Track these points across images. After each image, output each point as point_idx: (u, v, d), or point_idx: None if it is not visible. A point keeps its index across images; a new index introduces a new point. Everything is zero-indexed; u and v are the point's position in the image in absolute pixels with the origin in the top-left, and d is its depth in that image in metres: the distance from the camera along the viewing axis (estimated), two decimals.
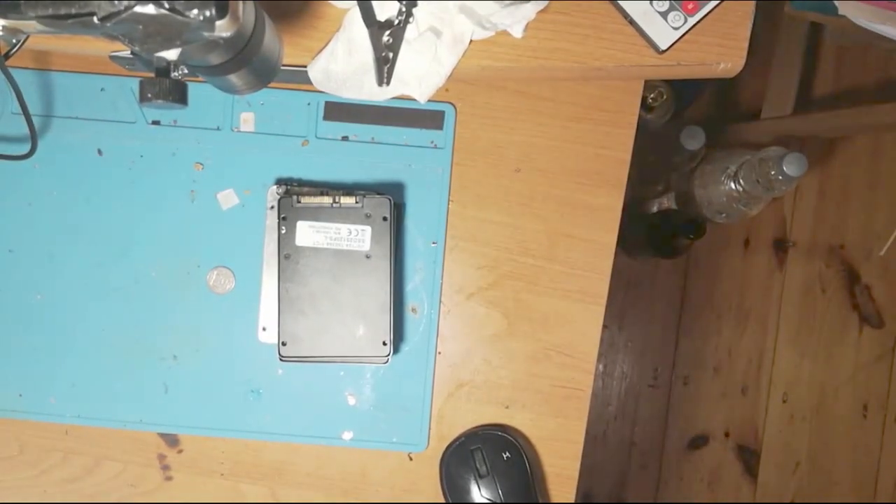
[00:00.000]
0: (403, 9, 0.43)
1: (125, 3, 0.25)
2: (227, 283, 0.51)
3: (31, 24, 0.26)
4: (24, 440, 0.51)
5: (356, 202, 0.46)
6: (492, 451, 0.49)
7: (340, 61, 0.44)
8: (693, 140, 0.91)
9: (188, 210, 0.51)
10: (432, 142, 0.51)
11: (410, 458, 0.52)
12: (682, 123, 0.92)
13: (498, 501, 0.49)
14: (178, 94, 0.30)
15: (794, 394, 1.37)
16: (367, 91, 0.45)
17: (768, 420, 1.37)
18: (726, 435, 1.37)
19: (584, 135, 0.51)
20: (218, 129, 0.51)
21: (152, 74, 0.30)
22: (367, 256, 0.46)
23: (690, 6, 0.44)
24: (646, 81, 0.52)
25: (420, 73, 0.44)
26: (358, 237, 0.46)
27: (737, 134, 1.21)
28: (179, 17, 0.25)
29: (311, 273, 0.46)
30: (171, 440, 0.51)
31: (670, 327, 1.37)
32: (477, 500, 0.49)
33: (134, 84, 0.50)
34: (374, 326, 0.47)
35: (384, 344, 0.47)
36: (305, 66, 0.45)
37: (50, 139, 0.51)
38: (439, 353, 0.51)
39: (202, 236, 0.51)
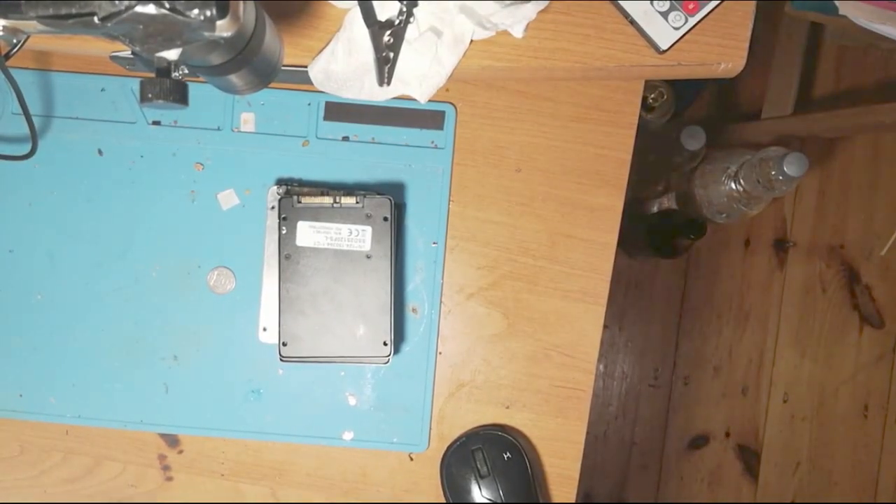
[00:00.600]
0: (404, 9, 0.43)
1: (126, 3, 0.25)
2: (227, 283, 0.51)
3: (31, 24, 0.26)
4: (25, 440, 0.51)
5: (357, 202, 0.46)
6: (492, 451, 0.49)
7: (341, 61, 0.44)
8: (693, 140, 0.91)
9: (188, 210, 0.51)
10: (433, 142, 0.51)
11: (411, 459, 0.52)
12: (683, 123, 0.92)
13: (499, 502, 0.49)
14: (179, 95, 0.30)
15: (795, 394, 1.37)
16: (368, 91, 0.45)
17: (769, 420, 1.37)
18: (727, 435, 1.37)
19: (584, 135, 0.51)
20: (218, 129, 0.51)
21: (153, 74, 0.30)
22: (368, 256, 0.46)
23: (691, 6, 0.44)
24: (646, 81, 0.52)
25: (420, 73, 0.44)
26: (358, 237, 0.46)
27: (737, 134, 1.21)
28: (180, 17, 0.25)
29: (311, 273, 0.46)
30: (172, 440, 0.51)
31: (671, 327, 1.37)
32: (478, 501, 0.49)
33: (134, 84, 0.50)
34: (375, 327, 0.47)
35: (385, 344, 0.47)
36: (306, 66, 0.45)
37: (50, 139, 0.51)
38: (440, 353, 0.51)
39: (202, 236, 0.51)
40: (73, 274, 0.51)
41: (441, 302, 0.51)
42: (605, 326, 1.35)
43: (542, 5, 0.43)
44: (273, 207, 0.50)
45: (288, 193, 0.49)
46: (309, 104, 0.51)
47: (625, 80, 0.51)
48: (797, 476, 1.38)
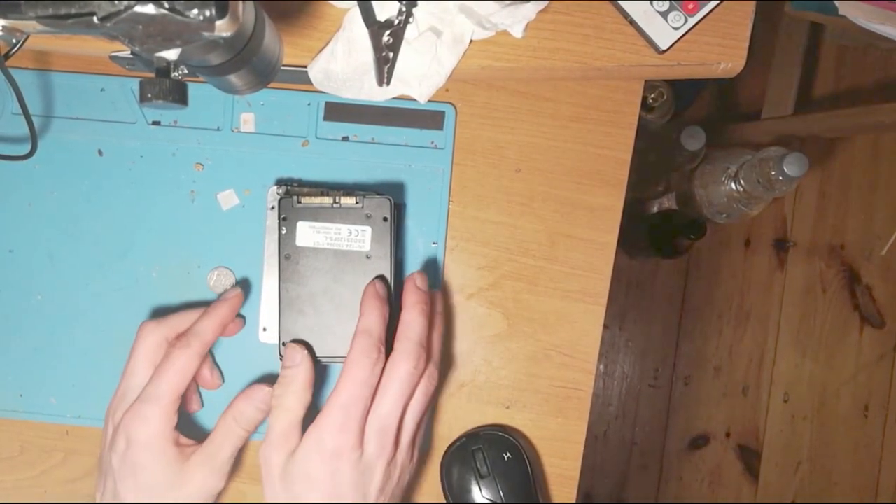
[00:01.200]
0: (403, 9, 0.43)
1: (125, 3, 0.25)
2: (227, 283, 0.51)
3: (31, 24, 0.26)
4: (25, 440, 0.51)
5: (356, 202, 0.46)
6: (492, 451, 0.49)
7: (340, 61, 0.44)
8: (693, 140, 0.91)
9: (188, 210, 0.51)
10: (432, 142, 0.51)
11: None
12: (683, 123, 0.92)
13: (499, 502, 0.49)
14: (179, 95, 0.30)
15: (795, 394, 1.37)
16: (367, 91, 0.45)
17: (769, 420, 1.37)
18: (727, 435, 1.37)
19: (584, 135, 0.51)
20: (218, 129, 0.51)
21: (152, 74, 0.30)
22: (368, 257, 0.46)
23: (691, 6, 0.44)
24: (646, 81, 0.52)
25: (420, 73, 0.44)
26: (358, 237, 0.46)
27: (737, 134, 1.21)
28: (179, 17, 0.25)
29: (311, 273, 0.46)
30: None
31: (671, 327, 1.37)
32: (478, 501, 0.49)
33: (134, 84, 0.50)
34: None
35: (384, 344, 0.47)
36: (305, 67, 0.45)
37: (50, 139, 0.51)
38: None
39: (202, 237, 0.51)
40: (73, 274, 0.51)
41: None
42: (606, 326, 1.36)
43: (542, 5, 0.43)
44: (273, 207, 0.50)
45: (288, 194, 0.49)
46: (309, 104, 0.51)
47: (624, 80, 0.51)
48: (798, 476, 1.38)
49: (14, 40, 0.28)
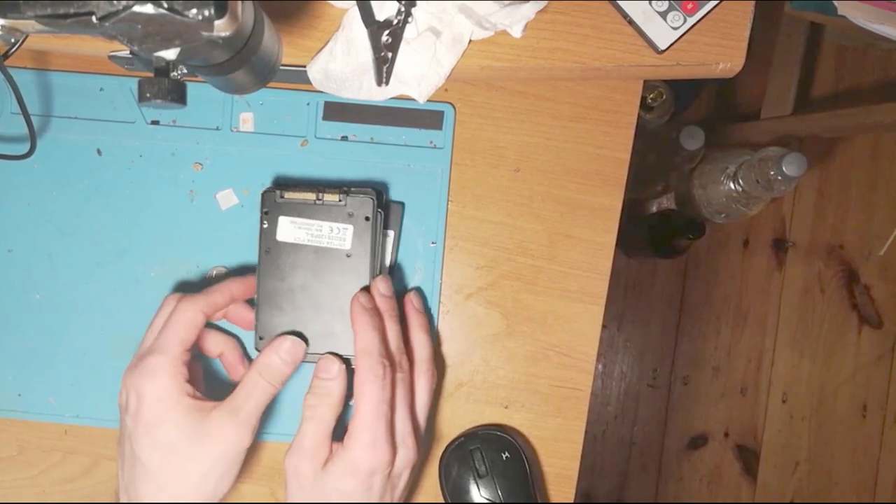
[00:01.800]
0: (402, 9, 0.43)
1: (124, 2, 0.25)
2: None
3: (30, 24, 0.26)
4: (24, 440, 0.51)
5: (339, 200, 0.46)
6: (491, 451, 0.49)
7: (339, 61, 0.44)
8: (693, 140, 0.91)
9: (187, 210, 0.51)
10: (431, 142, 0.51)
11: None
12: (682, 123, 0.92)
13: (497, 501, 0.49)
14: (177, 94, 0.30)
15: (794, 394, 1.38)
16: (367, 91, 0.45)
17: (768, 420, 1.37)
18: (726, 435, 1.37)
19: (583, 135, 0.51)
20: (217, 129, 0.51)
21: (151, 74, 0.30)
22: (348, 255, 0.46)
23: (690, 6, 0.44)
24: (645, 81, 0.52)
25: (419, 73, 0.44)
26: (339, 235, 0.46)
27: (736, 134, 1.21)
28: (178, 17, 0.25)
29: (290, 269, 0.46)
30: None
31: (669, 327, 1.37)
32: (476, 501, 0.49)
33: (133, 84, 0.50)
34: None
35: None
36: (304, 66, 0.45)
37: (49, 139, 0.51)
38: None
39: (201, 236, 0.51)
40: (72, 273, 0.51)
41: (440, 302, 0.51)
42: (604, 326, 1.36)
43: (541, 5, 0.43)
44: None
45: (273, 188, 0.48)
46: (308, 104, 0.51)
47: (624, 81, 0.51)
48: (796, 476, 1.38)
49: (13, 40, 0.28)
